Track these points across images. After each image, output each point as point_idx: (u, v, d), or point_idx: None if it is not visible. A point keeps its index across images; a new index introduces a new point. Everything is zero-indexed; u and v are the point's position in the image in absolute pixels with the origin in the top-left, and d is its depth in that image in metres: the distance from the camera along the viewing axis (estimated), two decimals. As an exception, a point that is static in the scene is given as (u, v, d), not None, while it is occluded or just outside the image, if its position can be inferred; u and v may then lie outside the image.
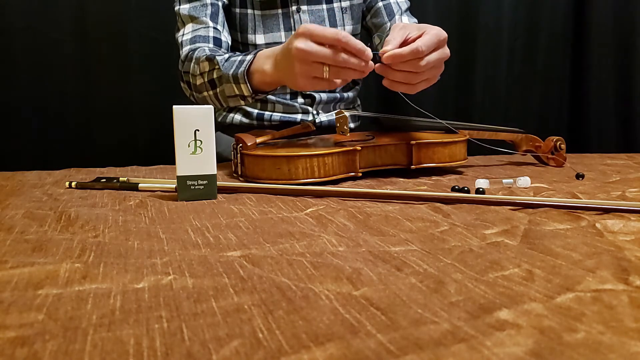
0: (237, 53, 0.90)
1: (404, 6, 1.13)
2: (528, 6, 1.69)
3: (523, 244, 0.45)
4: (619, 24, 1.68)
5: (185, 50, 0.99)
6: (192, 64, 0.95)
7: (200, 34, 1.00)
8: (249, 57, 0.84)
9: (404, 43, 0.74)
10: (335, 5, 1.10)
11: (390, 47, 0.72)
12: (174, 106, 0.62)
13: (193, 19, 1.01)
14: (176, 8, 1.03)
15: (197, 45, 0.99)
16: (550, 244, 0.44)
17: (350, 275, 0.36)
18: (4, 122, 1.33)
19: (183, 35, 1.01)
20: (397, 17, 1.11)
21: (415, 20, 1.14)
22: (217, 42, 1.01)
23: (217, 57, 0.88)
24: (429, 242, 0.45)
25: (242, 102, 0.89)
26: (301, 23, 1.06)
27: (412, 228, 0.50)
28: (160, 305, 0.31)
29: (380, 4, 1.12)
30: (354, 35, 1.13)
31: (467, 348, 0.26)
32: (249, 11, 1.06)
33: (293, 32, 1.05)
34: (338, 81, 0.73)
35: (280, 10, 1.06)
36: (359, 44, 0.68)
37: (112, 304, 0.32)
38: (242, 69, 0.83)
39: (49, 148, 1.37)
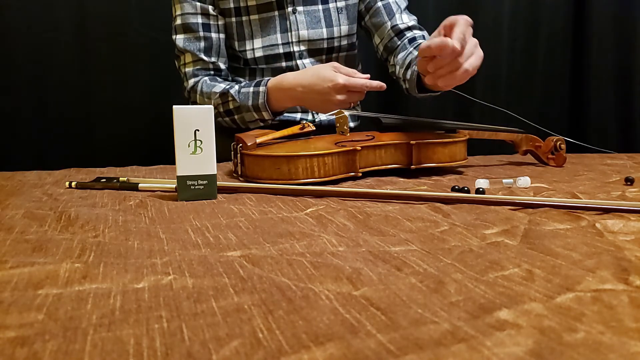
0: (242, 82, 1.03)
1: (403, 5, 1.13)
2: (528, 6, 1.69)
3: (523, 244, 0.45)
4: (619, 24, 1.68)
5: (190, 82, 1.08)
6: (197, 95, 1.06)
7: (199, 67, 1.07)
8: (262, 89, 0.97)
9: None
10: (331, 5, 1.10)
11: (437, 40, 0.75)
12: (174, 106, 0.62)
13: (188, 52, 1.07)
14: (173, 37, 1.08)
15: (199, 78, 1.07)
16: (550, 244, 0.44)
17: (350, 275, 0.36)
18: (4, 122, 1.33)
19: (185, 65, 1.08)
20: (397, 15, 1.11)
21: (415, 19, 1.14)
22: (217, 73, 1.09)
23: (230, 91, 1.00)
24: (429, 242, 0.45)
25: (262, 124, 1.02)
26: (297, 24, 1.07)
27: (412, 228, 0.50)
28: (160, 305, 0.31)
29: (379, 3, 1.12)
30: (350, 34, 1.14)
31: (467, 348, 0.26)
32: (244, 18, 1.06)
33: (289, 34, 1.06)
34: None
35: (276, 12, 1.06)
36: (374, 84, 0.91)
37: (112, 304, 0.32)
38: (260, 100, 0.97)
39: (49, 148, 1.37)
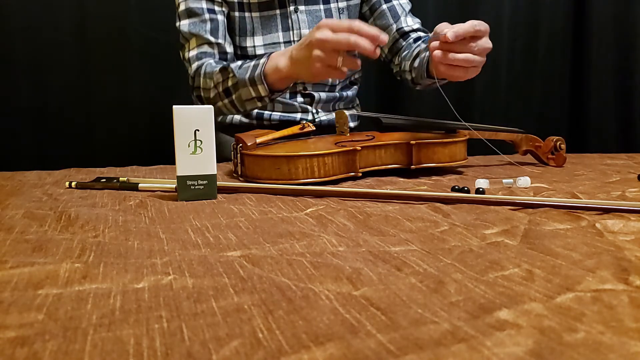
0: (248, 60, 0.95)
1: (407, 7, 1.14)
2: (528, 6, 1.69)
3: (523, 244, 0.45)
4: (619, 24, 1.68)
5: (193, 66, 1.03)
6: (201, 79, 1.01)
7: (205, 50, 1.04)
8: (262, 60, 0.90)
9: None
10: (333, 5, 1.10)
11: (450, 29, 0.76)
12: (174, 106, 0.62)
13: (194, 35, 1.04)
14: (177, 24, 1.06)
15: (205, 60, 1.03)
16: (550, 244, 0.44)
17: (350, 275, 0.36)
18: (4, 122, 1.33)
19: (189, 52, 1.05)
20: (402, 18, 1.11)
21: (419, 22, 1.14)
22: (223, 56, 1.05)
23: (230, 65, 0.94)
24: (429, 242, 0.45)
25: (259, 104, 0.95)
26: (299, 23, 1.07)
27: (412, 228, 0.50)
28: (160, 305, 0.31)
29: (384, 6, 1.12)
30: None
31: (467, 348, 0.26)
32: (247, 14, 1.06)
33: (291, 33, 1.06)
34: (345, 70, 0.79)
35: (278, 11, 1.07)
36: (372, 29, 0.75)
37: (112, 304, 0.32)
38: (257, 71, 0.89)
39: (49, 148, 1.37)
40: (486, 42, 0.80)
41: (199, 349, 0.26)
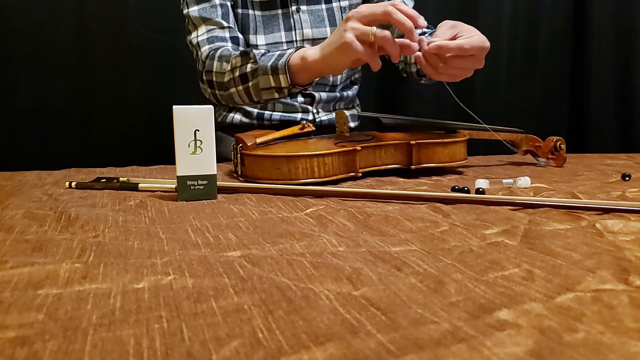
0: (272, 50, 0.93)
1: (410, 4, 1.14)
2: (528, 6, 1.69)
3: (523, 244, 0.45)
4: (619, 24, 1.68)
5: (204, 50, 1.00)
6: (215, 62, 0.96)
7: (217, 35, 1.01)
8: (289, 51, 0.86)
9: (452, 39, 0.79)
10: (335, 5, 1.10)
11: (439, 39, 0.77)
12: (174, 106, 0.62)
13: (205, 20, 1.01)
14: (185, 11, 1.03)
15: (217, 44, 1.00)
16: (550, 244, 0.44)
17: (350, 275, 0.36)
18: (4, 122, 1.33)
19: (197, 37, 1.02)
20: None
21: (422, 18, 1.14)
22: (235, 41, 1.02)
23: (253, 51, 0.90)
24: (429, 242, 0.45)
25: (276, 95, 0.89)
26: (301, 23, 1.07)
27: (412, 228, 0.50)
28: (160, 305, 0.31)
29: None
30: None
31: (467, 348, 0.26)
32: (250, 12, 1.06)
33: (293, 32, 1.06)
34: (378, 63, 0.77)
35: (280, 11, 1.07)
36: (410, 9, 0.74)
37: (112, 304, 0.32)
38: (283, 60, 0.85)
39: (49, 148, 1.37)
40: (474, 62, 0.81)
41: (199, 349, 0.26)
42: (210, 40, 1.00)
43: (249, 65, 0.90)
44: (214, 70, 0.96)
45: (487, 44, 0.79)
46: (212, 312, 0.30)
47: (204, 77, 0.99)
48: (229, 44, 1.01)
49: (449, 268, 0.38)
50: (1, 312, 0.30)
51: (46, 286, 0.35)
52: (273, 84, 0.87)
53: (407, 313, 0.30)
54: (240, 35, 1.04)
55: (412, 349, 0.26)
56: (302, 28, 1.07)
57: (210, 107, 0.63)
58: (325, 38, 1.07)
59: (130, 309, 0.31)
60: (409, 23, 0.72)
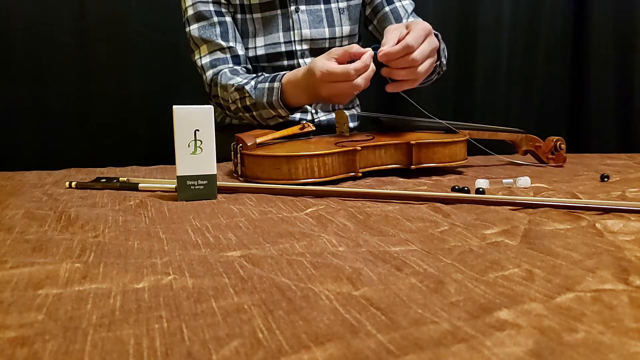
0: (260, 76, 0.98)
1: (410, 8, 1.14)
2: (528, 6, 1.69)
3: (523, 244, 0.45)
4: (619, 24, 1.68)
5: (209, 74, 1.04)
6: (219, 89, 1.02)
7: (218, 57, 1.04)
8: (276, 85, 0.93)
9: (399, 42, 0.80)
10: (333, 5, 1.10)
11: (385, 47, 0.80)
12: (174, 106, 0.62)
13: (206, 41, 1.04)
14: (186, 29, 1.06)
15: (219, 68, 1.04)
16: (550, 244, 0.44)
17: (350, 275, 0.36)
18: (4, 122, 1.33)
19: (201, 59, 1.05)
20: (404, 20, 1.11)
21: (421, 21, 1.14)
22: (236, 60, 1.06)
23: (245, 87, 0.96)
24: (429, 242, 0.45)
25: (281, 120, 0.98)
26: (300, 23, 1.07)
27: (412, 228, 0.50)
28: (160, 305, 0.31)
29: (387, 8, 1.12)
30: (352, 35, 1.14)
31: (467, 348, 0.26)
32: (248, 16, 1.07)
33: (292, 33, 1.06)
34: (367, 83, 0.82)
35: (279, 11, 1.07)
36: (365, 63, 0.79)
37: (112, 304, 0.32)
38: (274, 97, 0.92)
39: (49, 148, 1.37)
40: (428, 45, 0.82)
41: (199, 349, 0.26)
42: (212, 64, 1.04)
43: (247, 100, 0.97)
44: (220, 96, 1.03)
45: (427, 26, 0.82)
46: (212, 312, 0.30)
47: (213, 100, 1.06)
48: (230, 65, 1.05)
49: (449, 268, 0.38)
50: (1, 312, 0.30)
51: (46, 286, 0.35)
52: (274, 114, 0.96)
53: (407, 313, 0.30)
54: (241, 52, 1.07)
55: (412, 349, 0.26)
56: (300, 28, 1.07)
57: (210, 107, 0.63)
58: (323, 39, 1.09)
59: (130, 309, 0.31)
60: (368, 76, 0.80)
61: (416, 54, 0.80)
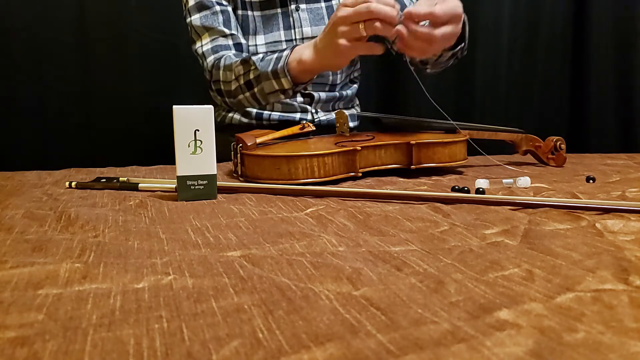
0: (269, 53, 0.95)
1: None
2: (528, 6, 1.69)
3: (523, 244, 0.45)
4: (619, 24, 1.68)
5: (209, 60, 1.02)
6: (220, 71, 0.99)
7: (220, 43, 1.03)
8: (285, 52, 0.89)
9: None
10: (334, 2, 1.10)
11: (412, 8, 0.76)
12: (174, 106, 0.62)
13: (208, 29, 1.03)
14: (187, 20, 1.05)
15: (221, 53, 1.02)
16: (550, 244, 0.44)
17: (350, 275, 0.36)
18: (3, 122, 1.33)
19: (202, 46, 1.04)
20: (409, 4, 1.11)
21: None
22: (238, 47, 1.04)
23: (252, 58, 0.93)
24: (429, 242, 0.45)
25: (282, 97, 0.93)
26: (300, 22, 1.07)
27: (412, 228, 0.50)
28: (160, 305, 0.31)
29: None
30: None
31: (467, 348, 0.26)
32: (249, 13, 1.07)
33: (292, 31, 1.06)
34: (378, 49, 0.79)
35: (279, 10, 1.07)
36: (388, 9, 0.74)
37: (112, 304, 0.32)
38: (281, 63, 0.88)
39: (49, 148, 1.37)
40: (452, 29, 0.77)
41: (199, 349, 0.26)
42: (214, 50, 1.02)
43: (251, 73, 0.93)
44: (221, 79, 1.00)
45: (460, 9, 0.78)
46: (212, 312, 0.30)
47: (213, 87, 1.03)
48: (232, 51, 1.02)
49: (449, 268, 0.38)
50: (1, 312, 0.30)
51: (46, 286, 0.35)
52: (277, 87, 0.91)
53: (407, 313, 0.30)
54: (243, 41, 1.05)
55: (412, 349, 0.26)
56: (301, 27, 1.08)
57: (210, 107, 0.63)
58: None
59: (130, 309, 0.31)
60: (392, 12, 0.73)
61: (439, 32, 0.76)
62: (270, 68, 0.89)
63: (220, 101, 1.04)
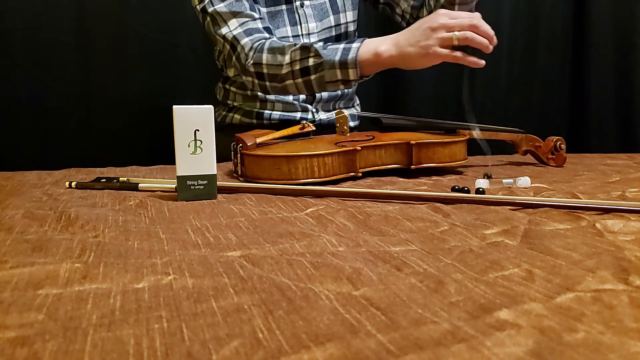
0: (329, 42, 0.95)
1: None
2: (528, 7, 1.68)
3: (523, 244, 0.45)
4: (619, 24, 1.68)
5: (245, 42, 0.99)
6: (265, 54, 0.96)
7: (251, 27, 1.00)
8: (355, 44, 0.90)
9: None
10: None
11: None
12: (174, 106, 0.62)
13: (235, 14, 1.00)
14: (210, 9, 1.01)
15: (257, 36, 0.99)
16: (550, 244, 0.44)
17: (350, 275, 0.36)
18: (3, 122, 1.33)
19: (231, 30, 1.01)
20: None
21: None
22: (269, 31, 1.02)
23: (314, 45, 0.92)
24: (429, 242, 0.45)
25: (342, 87, 0.94)
26: (306, 17, 1.08)
27: (412, 228, 0.50)
28: (160, 305, 0.31)
29: None
30: (354, 21, 1.16)
31: (467, 348, 0.26)
32: (257, 7, 1.06)
33: (298, 27, 1.07)
34: (477, 62, 0.87)
35: (284, 6, 1.08)
36: (489, 29, 0.85)
37: (112, 304, 0.32)
38: (351, 55, 0.89)
39: (49, 148, 1.37)
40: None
41: (199, 349, 0.26)
42: (248, 33, 0.99)
43: (311, 59, 0.92)
44: (265, 62, 0.97)
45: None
46: (212, 312, 0.30)
47: (251, 69, 0.99)
48: (266, 35, 1.00)
49: (449, 268, 0.38)
50: (1, 312, 0.30)
51: (46, 286, 0.35)
52: (340, 77, 0.91)
53: (407, 313, 0.30)
54: (270, 25, 1.04)
55: (412, 349, 0.26)
56: (307, 22, 1.09)
57: (210, 107, 0.63)
58: (330, 27, 1.08)
59: (130, 309, 0.31)
60: (486, 42, 0.85)
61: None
62: (338, 57, 0.89)
63: (257, 84, 1.00)
